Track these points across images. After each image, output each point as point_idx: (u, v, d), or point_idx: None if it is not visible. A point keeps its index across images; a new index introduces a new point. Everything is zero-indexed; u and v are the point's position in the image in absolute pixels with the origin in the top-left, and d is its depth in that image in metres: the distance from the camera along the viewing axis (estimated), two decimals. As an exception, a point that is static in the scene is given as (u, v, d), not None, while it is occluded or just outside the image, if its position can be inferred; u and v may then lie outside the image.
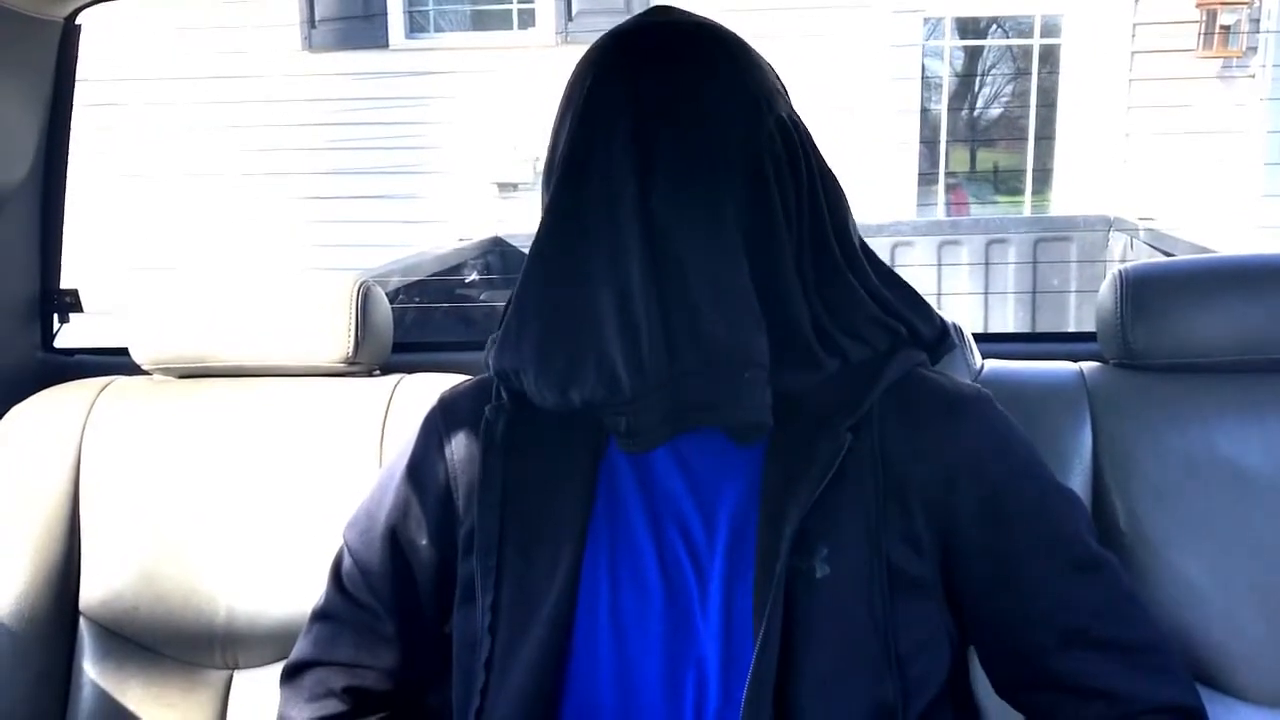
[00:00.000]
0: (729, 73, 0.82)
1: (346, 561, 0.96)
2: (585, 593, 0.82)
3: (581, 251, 0.79)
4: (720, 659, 0.80)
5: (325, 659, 0.95)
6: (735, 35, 0.86)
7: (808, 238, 0.82)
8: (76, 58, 1.55)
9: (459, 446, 0.91)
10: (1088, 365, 1.25)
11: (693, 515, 0.84)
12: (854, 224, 0.87)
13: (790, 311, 0.81)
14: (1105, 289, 1.23)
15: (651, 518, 0.84)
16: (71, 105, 1.57)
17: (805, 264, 0.82)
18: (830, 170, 0.86)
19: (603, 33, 0.87)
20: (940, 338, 0.89)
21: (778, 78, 0.87)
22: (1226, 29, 5.54)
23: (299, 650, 0.97)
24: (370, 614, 0.94)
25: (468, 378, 1.35)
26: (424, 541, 0.92)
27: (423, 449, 0.93)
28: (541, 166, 0.88)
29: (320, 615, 0.97)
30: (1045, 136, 6.14)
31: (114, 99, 5.84)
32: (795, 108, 0.87)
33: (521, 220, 5.52)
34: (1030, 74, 6.23)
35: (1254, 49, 5.59)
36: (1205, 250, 4.01)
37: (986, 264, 4.90)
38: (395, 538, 0.93)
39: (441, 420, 0.93)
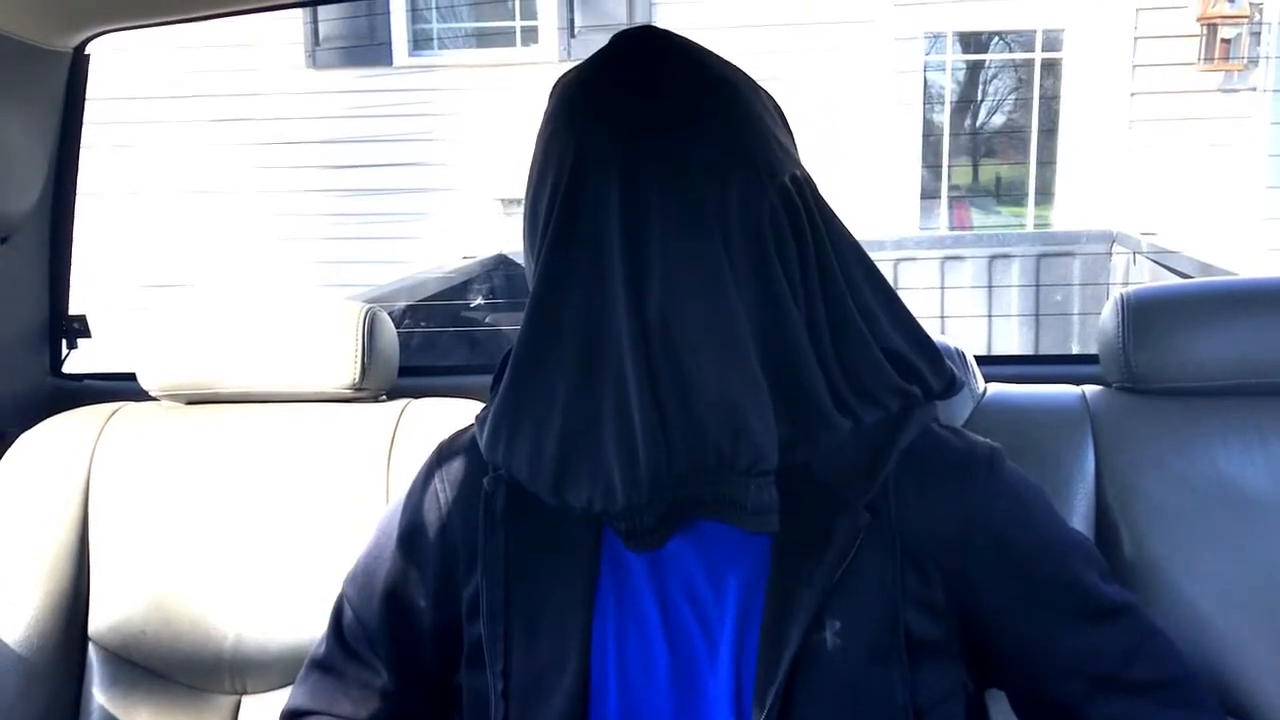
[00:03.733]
0: (727, 136, 0.77)
1: (347, 614, 0.95)
2: (594, 660, 0.80)
3: (572, 334, 0.76)
4: None
5: (325, 710, 0.94)
6: (732, 75, 0.81)
7: (820, 302, 0.78)
8: (85, 87, 1.56)
9: (458, 510, 0.88)
10: (1090, 389, 1.26)
11: (701, 580, 0.81)
12: (870, 272, 0.83)
13: (804, 380, 0.76)
14: (1107, 312, 1.23)
15: (657, 583, 0.82)
16: (80, 134, 1.59)
17: (820, 328, 0.78)
18: (841, 223, 0.82)
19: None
20: (948, 386, 0.85)
21: (782, 121, 0.83)
22: (1227, 43, 5.55)
23: (298, 698, 0.96)
24: (370, 669, 0.93)
25: (471, 403, 1.38)
26: (424, 604, 0.90)
27: (421, 509, 0.91)
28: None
29: (321, 666, 0.96)
30: (1047, 149, 6.15)
31: (117, 118, 5.87)
32: (800, 160, 0.82)
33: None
34: (1032, 87, 6.24)
35: (1255, 62, 5.60)
36: (1209, 267, 4.01)
37: (989, 282, 4.89)
38: (395, 597, 0.92)
39: (439, 480, 0.91)
